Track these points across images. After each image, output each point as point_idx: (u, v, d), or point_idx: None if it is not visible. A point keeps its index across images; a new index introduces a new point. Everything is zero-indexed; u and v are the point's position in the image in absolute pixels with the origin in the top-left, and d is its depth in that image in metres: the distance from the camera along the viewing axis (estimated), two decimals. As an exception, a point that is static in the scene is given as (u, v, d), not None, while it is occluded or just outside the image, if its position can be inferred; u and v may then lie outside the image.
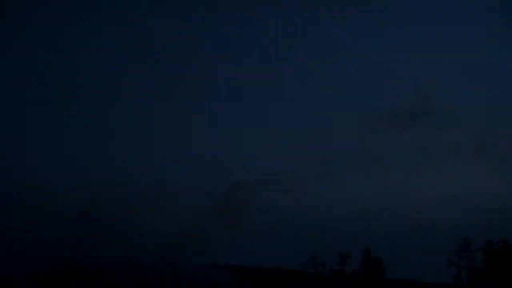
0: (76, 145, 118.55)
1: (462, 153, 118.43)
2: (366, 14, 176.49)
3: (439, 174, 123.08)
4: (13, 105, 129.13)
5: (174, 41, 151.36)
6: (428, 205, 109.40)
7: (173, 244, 78.91)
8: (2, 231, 75.63)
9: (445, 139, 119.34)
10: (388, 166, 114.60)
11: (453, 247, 76.51)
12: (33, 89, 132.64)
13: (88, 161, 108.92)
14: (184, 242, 79.10)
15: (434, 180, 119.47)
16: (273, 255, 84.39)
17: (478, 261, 75.68)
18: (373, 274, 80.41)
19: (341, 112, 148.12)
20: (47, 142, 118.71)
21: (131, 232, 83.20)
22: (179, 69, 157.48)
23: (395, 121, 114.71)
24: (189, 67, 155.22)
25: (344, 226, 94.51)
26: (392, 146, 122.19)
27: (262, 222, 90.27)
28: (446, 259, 75.30)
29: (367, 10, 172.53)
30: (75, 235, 78.38)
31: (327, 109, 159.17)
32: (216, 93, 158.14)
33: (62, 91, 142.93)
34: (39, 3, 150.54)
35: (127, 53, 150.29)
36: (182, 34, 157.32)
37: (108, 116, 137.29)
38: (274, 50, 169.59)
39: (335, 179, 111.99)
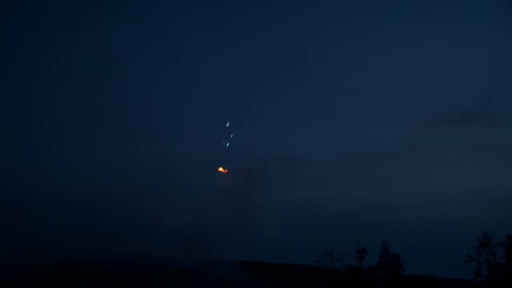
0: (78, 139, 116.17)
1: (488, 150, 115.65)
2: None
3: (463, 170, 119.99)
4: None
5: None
6: (451, 201, 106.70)
7: (183, 239, 78.39)
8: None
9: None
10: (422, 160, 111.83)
11: (473, 243, 74.77)
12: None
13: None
14: (194, 237, 78.44)
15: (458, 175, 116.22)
16: (289, 251, 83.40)
17: (499, 257, 74.04)
18: (391, 270, 78.73)
19: (394, 105, 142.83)
20: (50, 134, 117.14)
21: (142, 227, 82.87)
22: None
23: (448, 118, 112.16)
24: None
25: (362, 220, 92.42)
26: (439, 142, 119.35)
27: (276, 216, 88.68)
28: (465, 255, 73.72)
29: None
30: (78, 231, 78.62)
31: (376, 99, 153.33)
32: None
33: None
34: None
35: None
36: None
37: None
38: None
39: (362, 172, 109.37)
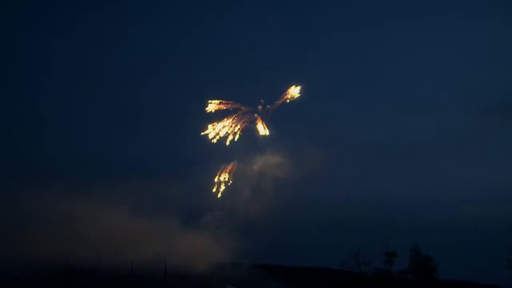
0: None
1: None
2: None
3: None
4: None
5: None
6: (492, 198, 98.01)
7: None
8: None
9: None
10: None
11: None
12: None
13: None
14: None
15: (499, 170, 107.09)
16: (310, 253, 78.35)
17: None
18: (423, 274, 72.43)
19: (428, 94, 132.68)
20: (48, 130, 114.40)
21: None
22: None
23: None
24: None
25: (392, 219, 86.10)
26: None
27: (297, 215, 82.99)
28: (506, 259, 66.19)
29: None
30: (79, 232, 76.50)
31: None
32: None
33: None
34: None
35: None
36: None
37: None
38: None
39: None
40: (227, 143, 77.15)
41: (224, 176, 77.79)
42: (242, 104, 78.04)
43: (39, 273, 68.16)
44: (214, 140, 76.42)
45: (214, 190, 77.60)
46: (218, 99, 76.79)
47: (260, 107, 78.16)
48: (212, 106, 76.60)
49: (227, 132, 77.10)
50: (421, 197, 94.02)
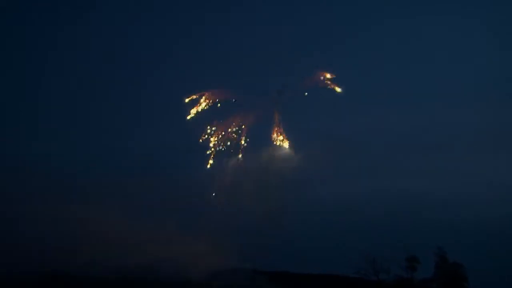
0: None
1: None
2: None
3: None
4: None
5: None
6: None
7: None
8: None
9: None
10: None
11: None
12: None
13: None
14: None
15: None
16: (322, 259, 72.20)
17: None
18: (451, 283, 66.04)
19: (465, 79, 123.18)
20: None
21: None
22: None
23: None
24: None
25: (415, 221, 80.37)
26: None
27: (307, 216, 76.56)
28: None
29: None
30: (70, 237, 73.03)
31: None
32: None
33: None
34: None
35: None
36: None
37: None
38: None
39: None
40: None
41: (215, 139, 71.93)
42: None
43: (28, 278, 66.50)
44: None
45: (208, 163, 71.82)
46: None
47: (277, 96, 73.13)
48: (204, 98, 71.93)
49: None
50: (452, 196, 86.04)
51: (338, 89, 71.44)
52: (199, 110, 71.52)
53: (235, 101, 72.51)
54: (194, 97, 71.71)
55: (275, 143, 73.26)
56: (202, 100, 71.72)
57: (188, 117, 71.07)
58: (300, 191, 76.70)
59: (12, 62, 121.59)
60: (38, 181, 78.38)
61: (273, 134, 73.00)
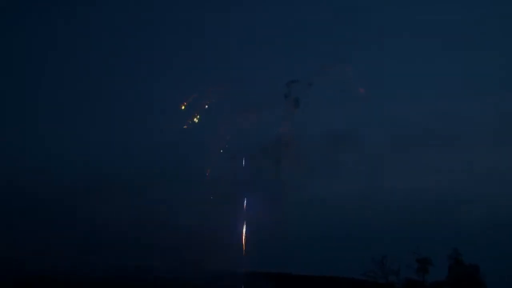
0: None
1: None
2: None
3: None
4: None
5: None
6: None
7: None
8: None
9: None
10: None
11: None
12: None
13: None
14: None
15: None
16: (326, 260, 70.25)
17: None
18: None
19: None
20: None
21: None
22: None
23: None
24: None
25: (428, 220, 77.92)
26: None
27: (310, 214, 73.57)
28: None
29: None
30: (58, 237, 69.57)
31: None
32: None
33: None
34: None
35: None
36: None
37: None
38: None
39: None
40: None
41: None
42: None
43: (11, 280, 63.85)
44: None
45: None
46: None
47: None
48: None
49: None
50: (466, 192, 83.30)
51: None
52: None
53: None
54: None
55: None
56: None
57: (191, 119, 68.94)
58: (303, 187, 73.71)
59: (12, 62, 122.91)
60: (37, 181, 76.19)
61: None
